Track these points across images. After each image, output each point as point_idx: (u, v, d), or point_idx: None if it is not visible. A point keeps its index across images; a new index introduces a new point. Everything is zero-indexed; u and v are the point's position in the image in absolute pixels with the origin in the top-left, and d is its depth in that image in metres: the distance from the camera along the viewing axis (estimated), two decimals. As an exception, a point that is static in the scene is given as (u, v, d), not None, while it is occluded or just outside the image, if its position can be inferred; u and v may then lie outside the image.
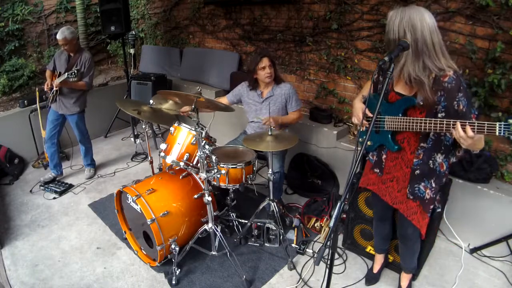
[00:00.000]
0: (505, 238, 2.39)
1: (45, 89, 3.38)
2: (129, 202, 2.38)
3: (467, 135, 1.38)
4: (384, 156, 1.84)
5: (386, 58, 1.40)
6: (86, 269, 2.51)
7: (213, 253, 2.41)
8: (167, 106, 2.96)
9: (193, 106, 2.17)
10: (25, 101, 4.16)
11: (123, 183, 3.55)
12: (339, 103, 3.49)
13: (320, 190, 3.28)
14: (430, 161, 1.70)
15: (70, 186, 3.58)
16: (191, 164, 2.46)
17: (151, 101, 2.79)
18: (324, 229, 2.72)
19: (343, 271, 2.43)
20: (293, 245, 2.66)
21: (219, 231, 2.38)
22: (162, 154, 2.48)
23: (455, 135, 1.42)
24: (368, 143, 1.83)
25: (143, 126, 2.92)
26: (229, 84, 4.25)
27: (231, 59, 4.33)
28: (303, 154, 3.40)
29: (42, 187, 3.53)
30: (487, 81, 2.41)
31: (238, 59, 4.29)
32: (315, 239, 2.73)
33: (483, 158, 2.47)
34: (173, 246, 2.32)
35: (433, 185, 1.75)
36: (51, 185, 3.54)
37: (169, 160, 2.45)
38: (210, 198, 2.28)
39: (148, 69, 5.27)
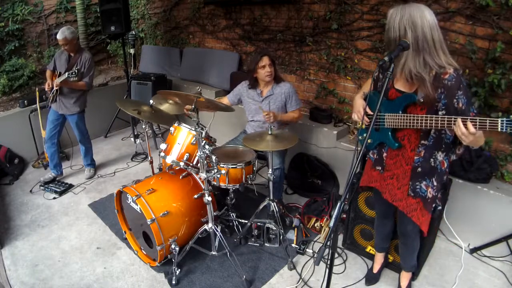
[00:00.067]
0: (505, 238, 2.39)
1: (46, 89, 3.38)
2: (129, 202, 2.38)
3: (469, 131, 1.38)
4: (385, 154, 1.84)
5: (386, 58, 1.40)
6: (86, 269, 2.50)
7: (213, 253, 2.41)
8: (167, 106, 2.96)
9: (193, 106, 2.18)
10: (25, 101, 4.16)
11: (123, 183, 3.55)
12: (339, 103, 3.49)
13: (320, 190, 3.28)
14: (432, 159, 1.71)
15: (70, 186, 3.58)
16: (191, 164, 2.46)
17: (151, 101, 2.79)
18: (324, 229, 2.72)
19: (343, 271, 2.43)
20: (293, 245, 2.66)
21: (219, 231, 2.38)
22: (162, 154, 2.48)
23: (457, 131, 1.42)
24: (368, 141, 1.83)
25: (143, 126, 2.92)
26: (229, 84, 4.25)
27: (231, 59, 4.33)
28: (303, 154, 3.41)
29: (42, 187, 3.53)
30: (487, 81, 2.41)
31: (238, 59, 4.29)
32: (315, 239, 2.73)
33: (483, 158, 2.47)
34: (173, 246, 2.32)
35: (435, 183, 1.75)
36: (51, 185, 3.54)
37: (169, 160, 2.45)
38: (210, 198, 2.28)
39: (148, 69, 5.27)
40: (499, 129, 1.33)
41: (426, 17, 1.49)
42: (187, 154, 2.43)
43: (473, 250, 2.53)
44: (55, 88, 3.33)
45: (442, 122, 1.48)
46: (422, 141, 1.69)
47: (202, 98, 2.15)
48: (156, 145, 4.32)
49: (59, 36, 3.21)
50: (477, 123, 1.37)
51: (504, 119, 1.31)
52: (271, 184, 2.54)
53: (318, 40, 3.46)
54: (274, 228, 2.60)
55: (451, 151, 1.70)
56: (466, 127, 1.38)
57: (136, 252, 2.59)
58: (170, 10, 5.08)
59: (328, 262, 1.47)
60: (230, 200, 2.78)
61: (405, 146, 1.75)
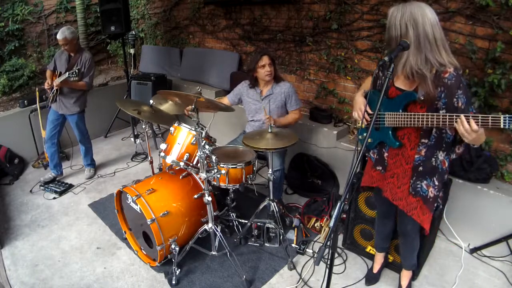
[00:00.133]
0: (505, 238, 2.39)
1: (46, 88, 3.38)
2: (129, 202, 2.38)
3: (471, 128, 1.38)
4: (386, 154, 1.84)
5: (386, 58, 1.40)
6: (86, 269, 2.50)
7: (213, 253, 2.41)
8: (167, 106, 2.96)
9: (193, 106, 2.17)
10: (25, 101, 4.16)
11: (123, 183, 3.55)
12: (339, 103, 3.49)
13: (320, 190, 3.28)
14: (433, 159, 1.71)
15: (70, 186, 3.58)
16: (191, 164, 2.46)
17: (151, 101, 2.79)
18: (324, 229, 2.72)
19: (343, 271, 2.43)
20: (293, 245, 2.66)
21: (219, 231, 2.38)
22: (162, 154, 2.48)
23: (459, 129, 1.42)
24: (369, 140, 1.83)
25: (143, 126, 2.92)
26: (229, 84, 4.25)
27: (231, 59, 4.33)
28: (303, 154, 3.40)
29: (42, 187, 3.53)
30: (487, 81, 2.41)
31: (238, 59, 4.29)
32: (315, 239, 2.73)
33: (483, 158, 2.47)
34: (173, 246, 2.32)
35: (436, 182, 1.75)
36: (51, 185, 3.54)
37: (169, 160, 2.45)
38: (210, 198, 2.28)
39: (148, 69, 5.27)
40: (501, 126, 1.34)
41: (427, 15, 1.49)
42: (187, 154, 2.43)
43: (473, 250, 2.53)
44: (55, 88, 3.33)
45: (444, 120, 1.48)
46: (422, 140, 1.69)
47: (202, 98, 2.14)
48: (156, 145, 4.32)
49: (59, 36, 3.21)
50: (480, 120, 1.37)
51: (507, 115, 1.33)
52: (271, 184, 2.53)
53: (318, 40, 3.46)
54: (274, 228, 2.60)
55: (451, 150, 1.70)
56: (469, 124, 1.39)
57: (136, 252, 2.59)
58: (170, 10, 5.08)
59: (328, 262, 1.47)
60: (230, 200, 2.78)
61: (405, 145, 1.75)
